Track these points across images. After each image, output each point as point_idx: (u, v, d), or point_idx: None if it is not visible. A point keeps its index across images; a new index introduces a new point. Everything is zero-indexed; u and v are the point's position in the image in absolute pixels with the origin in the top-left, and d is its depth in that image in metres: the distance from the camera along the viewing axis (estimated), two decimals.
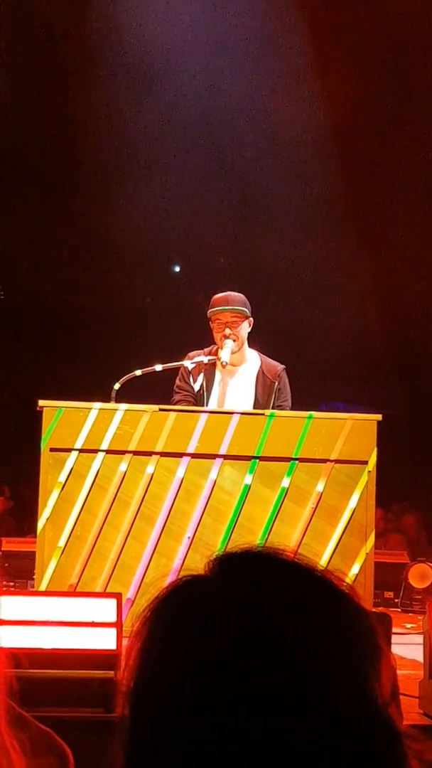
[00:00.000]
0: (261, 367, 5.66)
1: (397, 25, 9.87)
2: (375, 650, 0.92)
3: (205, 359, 5.59)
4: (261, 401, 5.57)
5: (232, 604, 0.93)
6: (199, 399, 5.59)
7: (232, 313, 5.58)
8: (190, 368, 5.63)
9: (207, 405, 5.54)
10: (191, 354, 5.71)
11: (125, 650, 0.98)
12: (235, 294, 5.67)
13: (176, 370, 5.69)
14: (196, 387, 5.62)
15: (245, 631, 0.90)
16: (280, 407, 5.59)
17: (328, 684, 0.89)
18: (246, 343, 5.65)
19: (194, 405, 5.52)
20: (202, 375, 5.62)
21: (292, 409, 5.58)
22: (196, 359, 5.64)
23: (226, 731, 0.87)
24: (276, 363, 5.71)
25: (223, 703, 0.88)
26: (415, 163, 10.83)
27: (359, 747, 0.88)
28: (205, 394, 5.59)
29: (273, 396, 5.59)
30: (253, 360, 5.68)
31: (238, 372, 5.62)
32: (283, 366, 5.70)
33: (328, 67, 10.15)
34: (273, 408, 5.54)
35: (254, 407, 5.54)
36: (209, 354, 5.67)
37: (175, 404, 5.49)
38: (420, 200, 11.13)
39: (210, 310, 5.63)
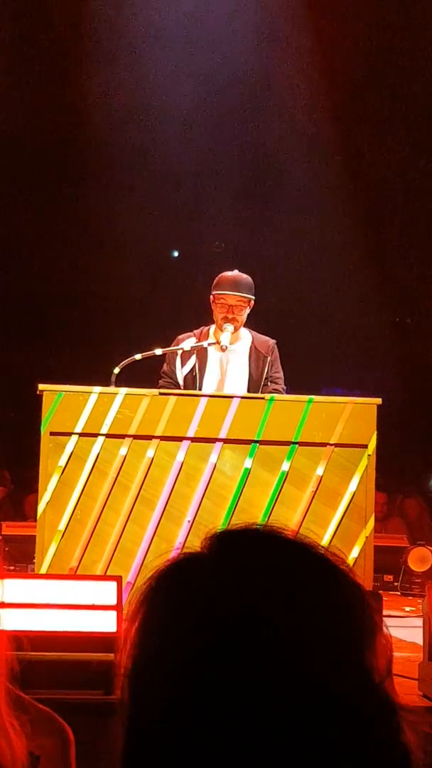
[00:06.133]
0: (253, 343, 5.63)
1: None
2: (370, 626, 0.93)
3: (205, 343, 5.57)
4: (255, 377, 5.55)
5: (230, 582, 0.92)
6: (192, 381, 5.56)
7: (238, 297, 5.54)
8: (179, 353, 5.59)
9: (201, 387, 5.52)
10: (180, 337, 5.67)
11: (124, 633, 0.98)
12: (244, 276, 5.61)
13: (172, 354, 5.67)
14: (186, 370, 5.58)
15: (242, 610, 0.90)
16: (271, 378, 5.56)
17: (325, 658, 0.89)
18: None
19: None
20: (194, 357, 5.58)
21: (290, 392, 5.58)
22: (187, 341, 5.62)
23: (223, 710, 0.88)
24: (267, 338, 5.69)
25: (219, 683, 0.88)
26: (417, 147, 10.81)
27: (355, 719, 0.88)
28: (198, 375, 5.56)
29: (266, 369, 5.57)
30: (245, 337, 5.65)
31: (230, 351, 5.57)
32: (274, 340, 5.69)
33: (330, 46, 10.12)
34: (266, 380, 5.52)
35: (248, 384, 5.52)
36: (200, 336, 5.63)
37: (159, 389, 5.47)
38: (421, 182, 11.10)
39: (216, 291, 5.57)
